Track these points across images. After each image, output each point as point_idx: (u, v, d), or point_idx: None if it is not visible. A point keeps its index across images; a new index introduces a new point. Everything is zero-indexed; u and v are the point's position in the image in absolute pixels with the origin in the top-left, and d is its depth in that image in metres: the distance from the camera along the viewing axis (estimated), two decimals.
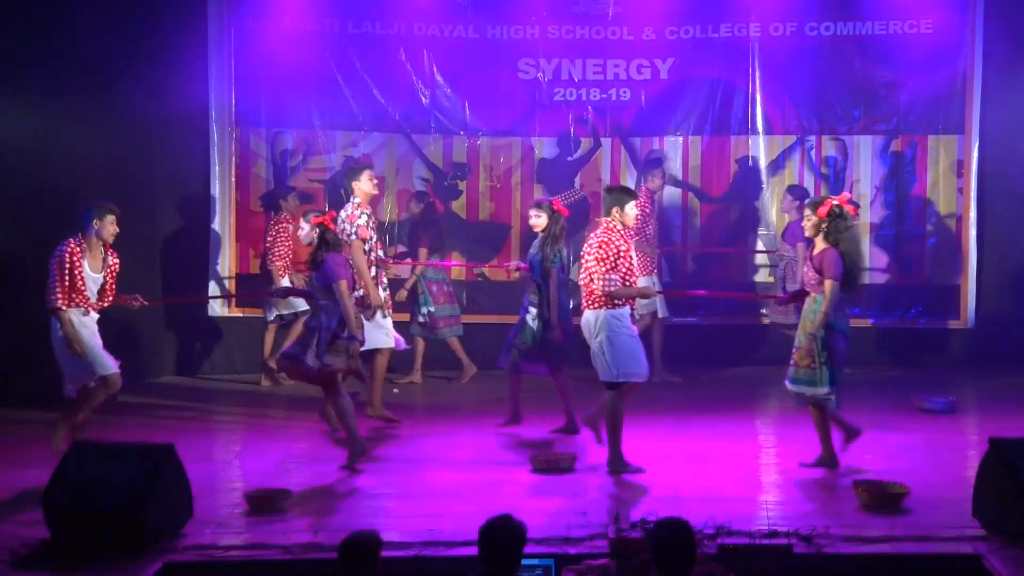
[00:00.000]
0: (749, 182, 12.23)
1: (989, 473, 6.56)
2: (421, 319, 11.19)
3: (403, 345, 9.63)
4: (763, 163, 12.23)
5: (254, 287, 11.66)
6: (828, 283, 7.57)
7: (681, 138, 12.31)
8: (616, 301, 7.76)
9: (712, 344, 12.03)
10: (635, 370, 7.85)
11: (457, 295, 11.67)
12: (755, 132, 12.19)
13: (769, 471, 8.12)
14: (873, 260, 12.04)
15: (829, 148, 12.18)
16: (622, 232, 7.85)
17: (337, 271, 7.93)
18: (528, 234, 12.05)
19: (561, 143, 12.35)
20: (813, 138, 12.17)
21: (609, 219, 7.87)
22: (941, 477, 7.69)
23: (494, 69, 12.26)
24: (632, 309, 7.94)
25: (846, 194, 7.98)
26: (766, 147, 12.21)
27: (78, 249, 7.96)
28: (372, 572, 5.17)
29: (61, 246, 7.96)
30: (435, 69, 12.24)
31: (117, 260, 8.21)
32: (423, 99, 12.25)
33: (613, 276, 7.71)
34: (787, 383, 7.88)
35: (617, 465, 7.85)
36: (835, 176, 12.16)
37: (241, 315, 12.06)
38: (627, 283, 7.80)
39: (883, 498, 7.01)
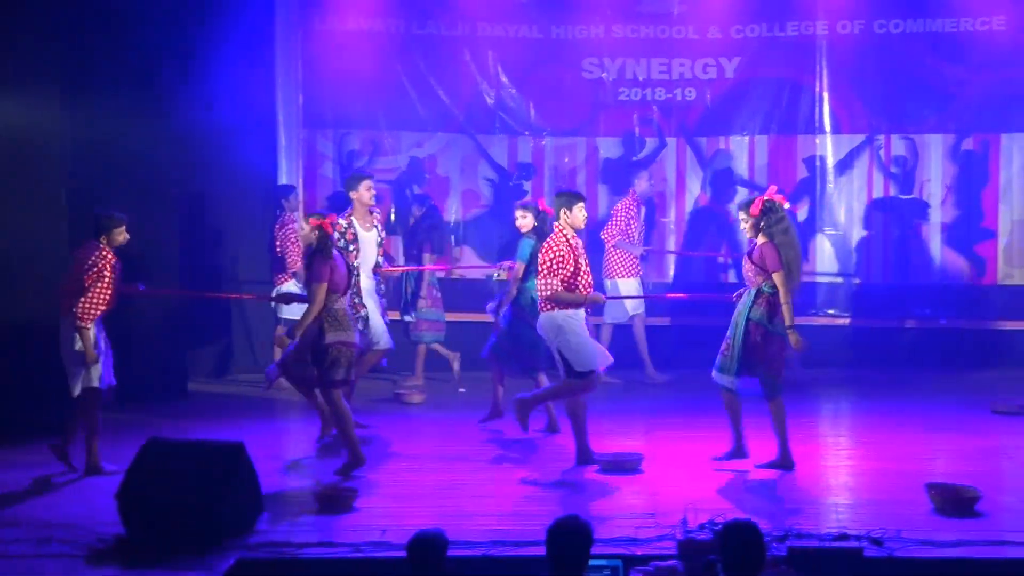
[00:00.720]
0: (816, 182, 12.11)
1: None
2: (408, 319, 11.14)
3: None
4: (831, 163, 12.10)
5: None
6: (776, 276, 7.66)
7: (747, 138, 12.24)
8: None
9: None
10: (596, 361, 7.99)
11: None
12: (823, 131, 12.08)
13: (839, 473, 8.04)
14: (945, 261, 11.91)
15: (899, 147, 12.05)
16: (568, 238, 7.95)
17: (319, 272, 7.87)
18: (592, 236, 12.15)
19: (626, 143, 12.32)
20: (882, 137, 12.05)
21: (558, 223, 8.01)
22: (1015, 481, 7.60)
23: (558, 69, 12.28)
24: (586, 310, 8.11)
25: (773, 187, 8.07)
26: (834, 147, 12.09)
27: (112, 258, 7.89)
28: (440, 571, 5.18)
29: (95, 256, 7.81)
30: (500, 69, 12.27)
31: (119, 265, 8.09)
32: (488, 99, 12.28)
33: (553, 281, 7.84)
34: (713, 371, 7.98)
35: (585, 457, 8.00)
36: (905, 176, 12.02)
37: (256, 299, 11.97)
38: (573, 288, 7.90)
39: (956, 501, 6.89)
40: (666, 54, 12.21)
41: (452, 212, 12.29)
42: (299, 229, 8.16)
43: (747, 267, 7.87)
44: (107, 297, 7.83)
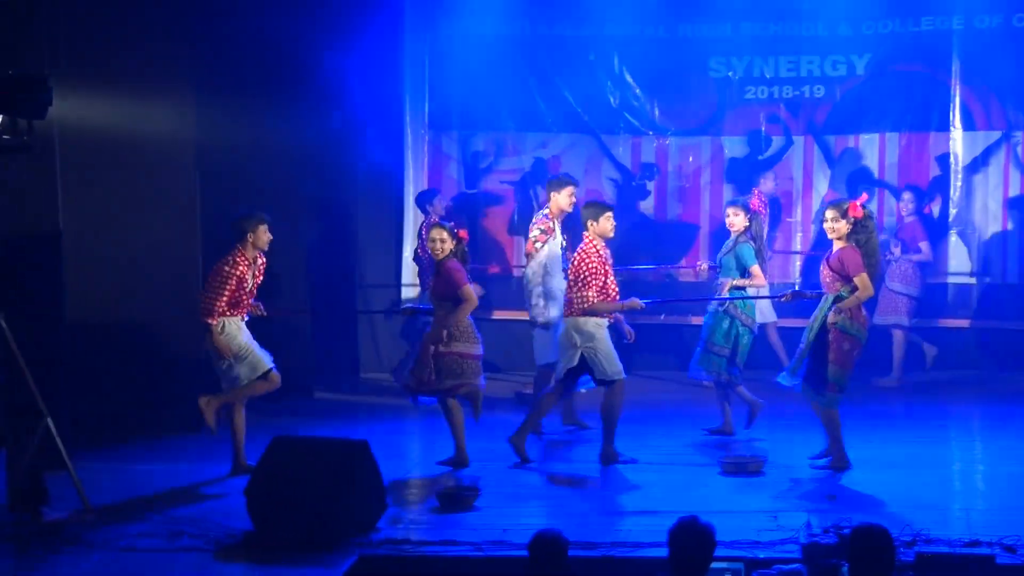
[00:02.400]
0: (950, 180, 11.80)
1: None
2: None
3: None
4: (964, 160, 11.78)
5: None
6: (860, 278, 7.61)
7: (878, 135, 11.97)
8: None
9: None
10: (619, 368, 8.18)
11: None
12: (956, 128, 11.75)
13: (969, 477, 7.85)
14: None
15: None
16: (598, 248, 8.11)
17: (461, 277, 7.97)
18: (717, 234, 12.04)
19: (751, 142, 12.16)
20: (1019, 134, 11.67)
21: (587, 233, 8.14)
22: None
23: (684, 68, 12.16)
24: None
25: (864, 195, 8.11)
26: (968, 144, 11.76)
27: (244, 260, 7.95)
28: (562, 570, 5.19)
29: (230, 266, 7.89)
30: (624, 69, 12.21)
31: (264, 262, 8.19)
32: (612, 100, 12.23)
33: (588, 293, 8.00)
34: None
35: (610, 456, 8.09)
36: None
37: (382, 313, 12.04)
38: (605, 297, 8.08)
39: None
40: (794, 51, 12.00)
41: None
42: (431, 239, 8.17)
43: (825, 273, 7.82)
44: (230, 295, 7.88)
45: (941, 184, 11.84)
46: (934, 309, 11.69)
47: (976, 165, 11.77)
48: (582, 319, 8.07)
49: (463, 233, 8.20)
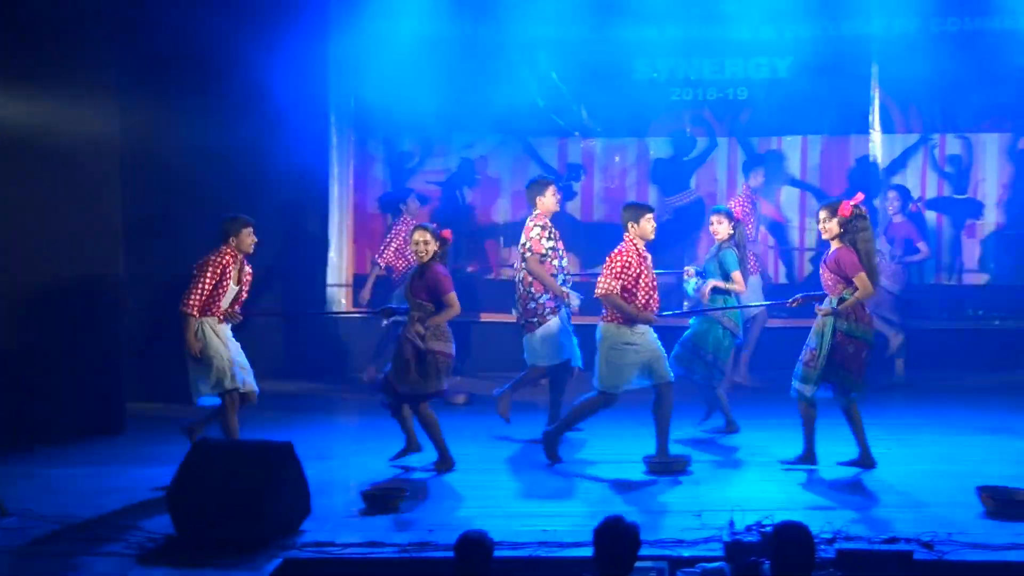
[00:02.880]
0: (869, 182, 11.97)
1: None
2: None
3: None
4: (884, 163, 11.97)
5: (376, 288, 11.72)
6: (859, 277, 7.60)
7: (800, 137, 12.13)
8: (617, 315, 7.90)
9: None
10: (616, 384, 8.02)
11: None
12: (875, 131, 11.93)
13: (888, 475, 7.95)
14: (999, 262, 11.72)
15: (953, 147, 11.89)
16: (638, 249, 7.96)
17: (448, 283, 7.93)
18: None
19: (677, 143, 12.26)
20: (936, 136, 11.90)
21: (628, 234, 8.01)
22: None
23: (610, 70, 12.21)
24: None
25: (860, 195, 7.96)
26: (887, 147, 11.96)
27: (232, 261, 7.90)
28: (486, 571, 5.19)
29: (216, 255, 7.84)
30: (552, 70, 12.23)
31: (251, 272, 8.17)
32: (540, 101, 12.25)
33: (614, 283, 7.83)
34: (794, 381, 7.89)
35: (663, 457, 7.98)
36: (959, 175, 11.87)
37: (358, 315, 12.15)
38: (630, 299, 7.86)
39: (1009, 504, 6.81)
40: (718, 53, 12.12)
41: (502, 213, 12.29)
42: (414, 241, 8.10)
43: (825, 276, 7.79)
44: (208, 290, 7.79)
45: (861, 186, 11.97)
46: None
47: (895, 167, 11.97)
48: (621, 329, 7.89)
49: (446, 233, 8.12)
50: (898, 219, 11.30)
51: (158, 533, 6.59)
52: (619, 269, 7.84)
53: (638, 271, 7.87)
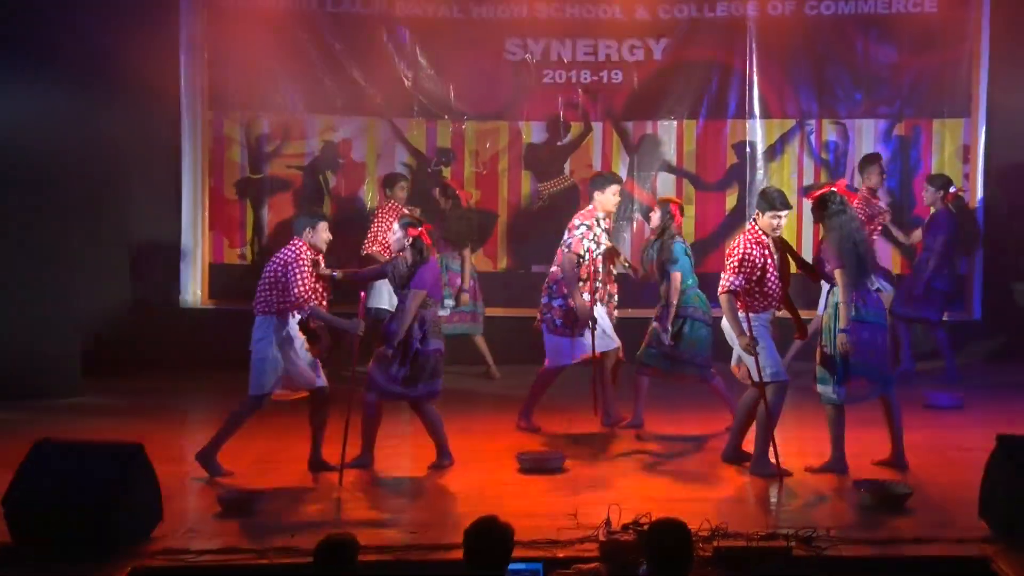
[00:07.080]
0: (746, 168, 11.77)
1: (997, 472, 6.43)
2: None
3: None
4: (761, 148, 11.77)
5: (231, 277, 11.27)
6: (838, 273, 7.44)
7: (675, 122, 11.86)
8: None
9: None
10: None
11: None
12: (752, 116, 11.75)
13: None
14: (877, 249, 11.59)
15: (830, 132, 11.79)
16: (761, 238, 7.64)
17: (422, 279, 7.67)
18: (515, 224, 11.71)
19: (550, 127, 11.90)
20: (813, 122, 11.78)
21: (752, 223, 7.73)
22: (947, 477, 7.50)
23: (480, 50, 11.78)
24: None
25: (843, 180, 7.73)
26: (764, 131, 11.78)
27: (308, 254, 7.64)
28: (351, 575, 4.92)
29: (294, 250, 7.60)
30: (418, 50, 11.78)
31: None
32: (405, 81, 11.78)
33: (737, 279, 7.54)
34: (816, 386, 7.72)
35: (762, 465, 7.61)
36: (836, 161, 11.76)
37: (214, 307, 11.57)
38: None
39: (886, 499, 6.88)
40: (592, 35, 11.78)
41: (368, 198, 11.76)
42: (392, 232, 7.89)
43: (827, 268, 7.57)
44: (305, 280, 7.55)
45: (739, 172, 11.81)
46: None
47: (772, 153, 11.79)
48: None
49: (428, 226, 7.90)
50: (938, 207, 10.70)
51: None
52: (738, 264, 7.53)
53: (764, 264, 7.57)
